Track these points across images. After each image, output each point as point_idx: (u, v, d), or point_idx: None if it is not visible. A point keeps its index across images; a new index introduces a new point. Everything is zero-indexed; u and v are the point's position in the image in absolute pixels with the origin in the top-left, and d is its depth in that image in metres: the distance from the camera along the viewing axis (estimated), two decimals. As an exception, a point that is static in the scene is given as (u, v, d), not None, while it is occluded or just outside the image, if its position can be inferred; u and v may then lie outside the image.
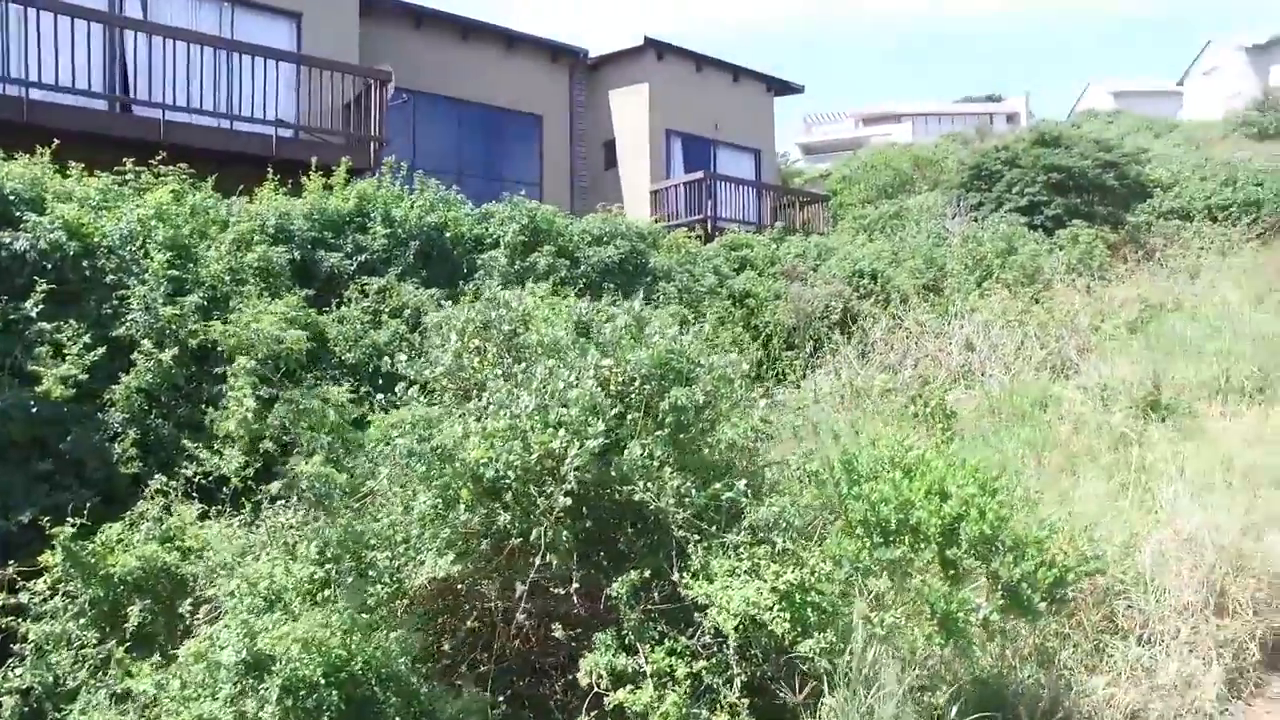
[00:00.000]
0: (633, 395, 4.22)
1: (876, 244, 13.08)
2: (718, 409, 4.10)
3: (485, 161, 18.62)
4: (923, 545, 3.01)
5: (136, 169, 7.54)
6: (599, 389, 3.98)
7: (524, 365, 4.39)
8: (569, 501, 3.65)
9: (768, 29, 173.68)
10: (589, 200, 20.30)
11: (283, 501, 4.40)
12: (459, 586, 4.28)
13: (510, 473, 3.73)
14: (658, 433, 4.08)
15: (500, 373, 4.53)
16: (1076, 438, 7.21)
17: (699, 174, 18.12)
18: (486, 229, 9.41)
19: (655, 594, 3.78)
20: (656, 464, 4.00)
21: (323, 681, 3.17)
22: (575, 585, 3.70)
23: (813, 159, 54.05)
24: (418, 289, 7.85)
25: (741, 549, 3.68)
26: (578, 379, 3.95)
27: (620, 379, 4.30)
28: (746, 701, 3.43)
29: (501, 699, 3.94)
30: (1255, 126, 33.79)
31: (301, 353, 6.15)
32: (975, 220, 15.48)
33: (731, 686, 3.54)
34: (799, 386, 8.76)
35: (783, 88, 21.75)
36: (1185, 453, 6.74)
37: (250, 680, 3.14)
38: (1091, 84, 58.17)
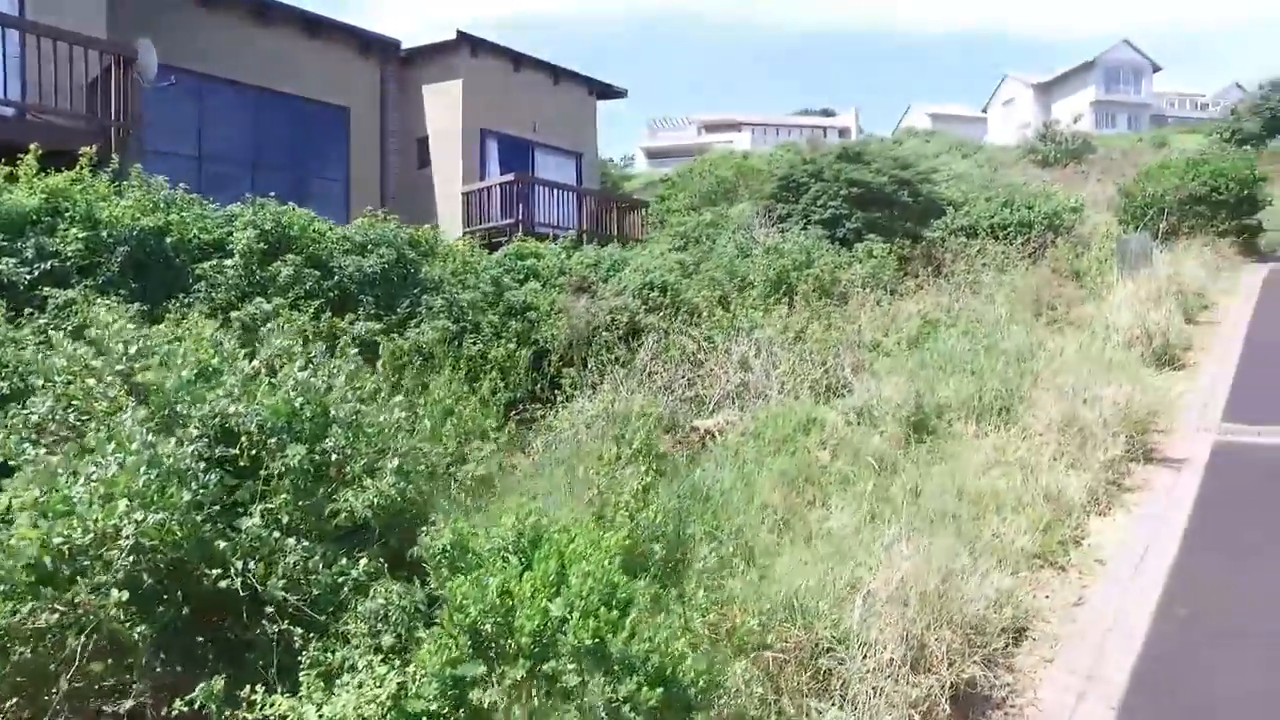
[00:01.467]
0: (256, 452, 3.47)
1: (672, 254, 12.80)
2: (353, 468, 3.41)
3: (287, 155, 17.17)
4: (514, 658, 2.45)
5: None
6: (191, 447, 3.19)
7: (128, 415, 3.54)
8: (123, 595, 2.87)
9: (612, 32, 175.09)
10: (402, 200, 19.14)
11: None
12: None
13: (52, 558, 2.90)
14: (282, 497, 3.36)
15: (106, 422, 3.66)
16: (834, 464, 7.05)
17: (510, 176, 17.40)
18: (229, 234, 8.29)
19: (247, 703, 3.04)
20: (276, 536, 3.28)
21: None
22: (132, 702, 2.92)
23: (656, 163, 54.62)
24: (121, 304, 6.68)
25: (357, 645, 3.01)
26: (155, 438, 3.14)
27: (249, 433, 3.54)
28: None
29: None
30: (1040, 154, 37.07)
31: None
32: (782, 232, 15.61)
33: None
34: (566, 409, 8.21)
35: (606, 91, 21.37)
36: (932, 477, 6.70)
37: None
38: (913, 106, 62.17)
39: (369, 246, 8.98)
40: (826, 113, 65.75)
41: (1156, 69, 53.02)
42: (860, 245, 13.76)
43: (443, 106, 18.86)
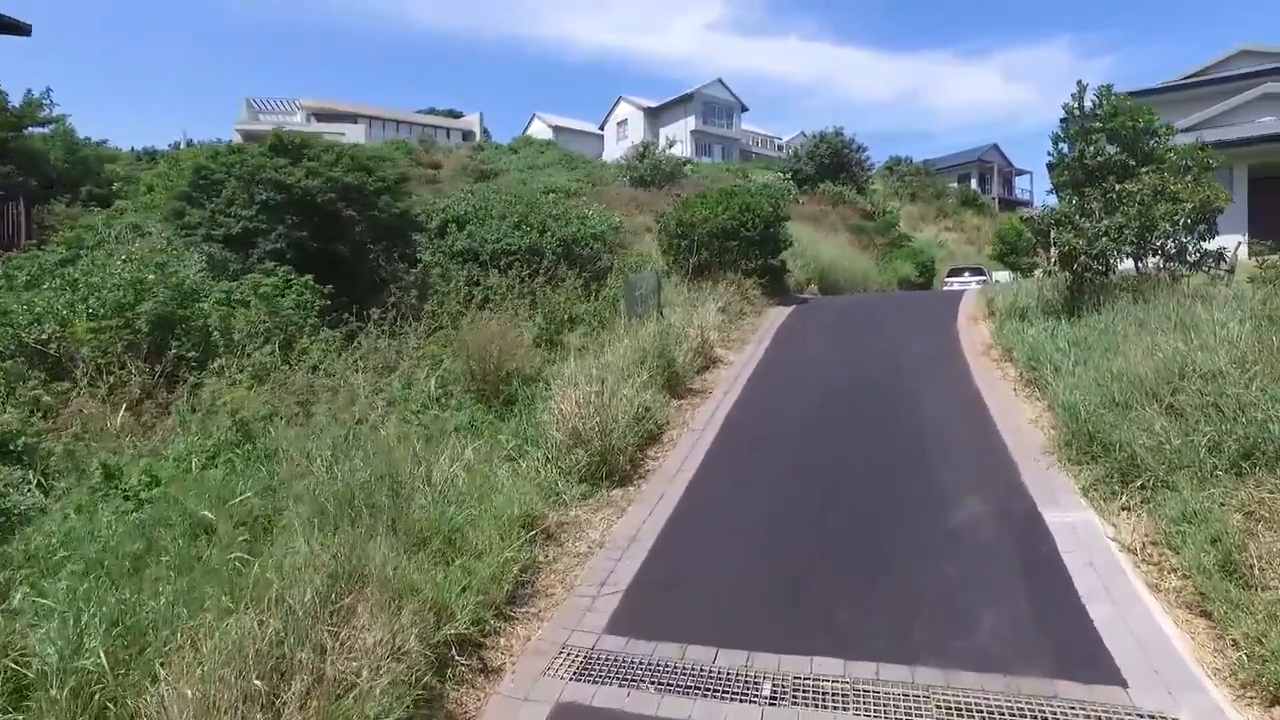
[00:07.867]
0: None
1: None
2: None
3: None
4: None
5: None
6: None
7: None
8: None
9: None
10: None
11: None
12: None
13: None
14: None
15: None
16: None
17: None
18: None
19: None
20: None
21: None
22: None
23: (253, 148, 45.72)
24: None
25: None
26: None
27: None
28: None
29: None
30: (637, 172, 35.91)
31: None
32: (192, 245, 10.30)
33: None
34: None
35: (-7, 24, 14.07)
36: None
37: None
38: (537, 115, 59.92)
39: None
40: (453, 113, 61.11)
41: (744, 109, 56.36)
42: (249, 278, 8.94)
43: None
